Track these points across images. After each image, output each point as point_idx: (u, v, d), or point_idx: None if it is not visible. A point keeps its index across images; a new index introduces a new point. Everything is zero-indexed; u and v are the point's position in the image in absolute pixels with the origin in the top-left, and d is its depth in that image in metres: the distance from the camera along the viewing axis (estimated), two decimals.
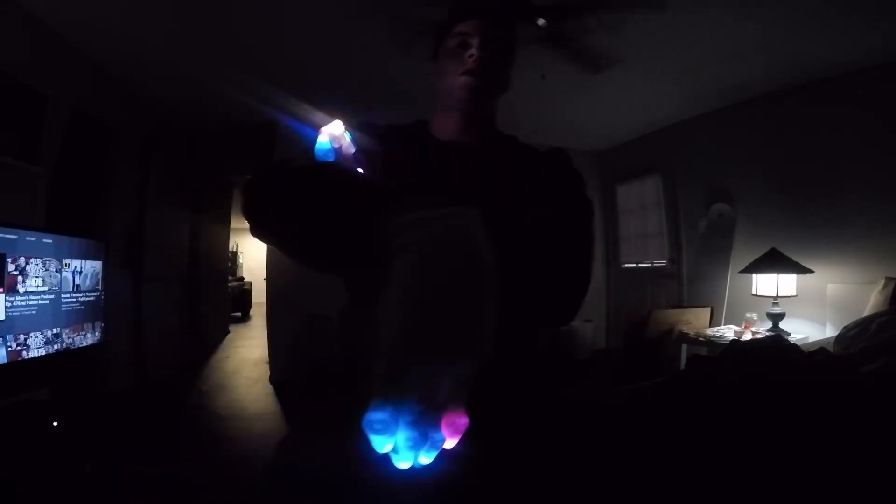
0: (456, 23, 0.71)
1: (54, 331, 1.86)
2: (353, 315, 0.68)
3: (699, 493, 0.86)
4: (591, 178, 4.77)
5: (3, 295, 1.60)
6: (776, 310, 2.70)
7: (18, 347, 1.67)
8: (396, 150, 0.68)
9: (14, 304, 1.65)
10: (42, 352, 1.79)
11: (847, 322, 2.07)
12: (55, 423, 1.73)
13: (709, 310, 3.26)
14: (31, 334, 1.74)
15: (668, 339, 3.04)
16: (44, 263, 1.80)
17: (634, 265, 4.51)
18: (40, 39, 2.21)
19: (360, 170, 0.55)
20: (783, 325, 2.72)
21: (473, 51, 0.69)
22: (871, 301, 2.30)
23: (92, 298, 2.12)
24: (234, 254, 8.71)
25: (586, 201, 0.68)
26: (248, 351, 4.99)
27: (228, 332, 6.06)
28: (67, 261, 1.95)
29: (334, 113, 0.74)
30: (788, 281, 2.69)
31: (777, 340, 1.67)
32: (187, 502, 1.83)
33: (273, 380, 3.69)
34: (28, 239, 1.74)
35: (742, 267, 2.85)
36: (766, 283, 2.74)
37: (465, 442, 0.31)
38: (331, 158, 0.53)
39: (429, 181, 0.67)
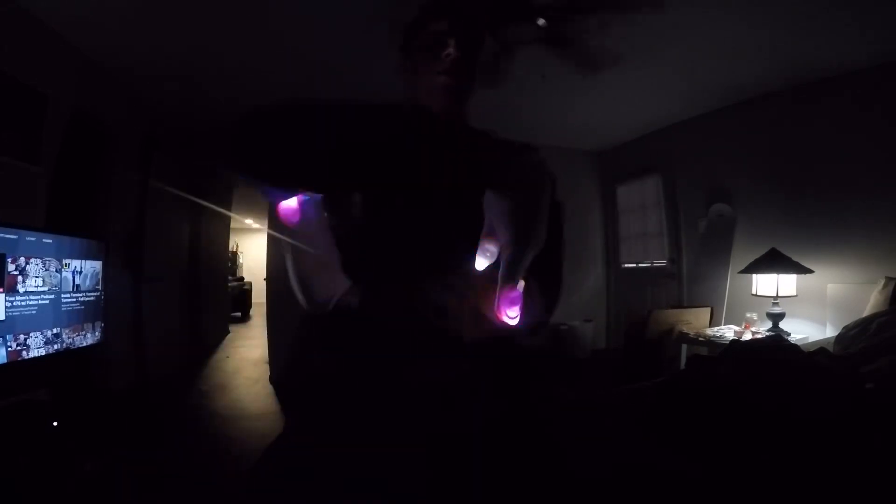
0: (430, 20, 0.70)
1: (54, 331, 1.86)
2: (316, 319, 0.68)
3: (699, 492, 0.86)
4: (591, 178, 4.77)
5: (3, 295, 1.60)
6: (776, 310, 2.70)
7: (18, 347, 1.67)
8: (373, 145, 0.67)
9: (14, 304, 1.65)
10: (42, 352, 1.79)
11: (847, 322, 2.07)
12: (55, 423, 1.73)
13: (709, 310, 3.25)
14: (31, 334, 1.74)
15: (668, 339, 3.04)
16: (44, 263, 1.80)
17: (634, 265, 4.51)
18: (40, 39, 2.21)
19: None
20: (783, 325, 2.72)
21: (450, 50, 0.67)
22: (871, 301, 2.30)
23: (92, 298, 2.12)
24: (234, 254, 8.71)
25: (557, 204, 0.67)
26: (248, 351, 4.99)
27: (228, 332, 6.06)
28: (67, 261, 1.95)
29: None
30: (788, 281, 2.69)
31: (777, 340, 1.68)
32: (187, 502, 1.83)
33: (273, 380, 3.69)
34: (28, 239, 1.74)
35: (742, 267, 2.85)
36: (766, 283, 2.74)
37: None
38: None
39: (410, 176, 0.66)
